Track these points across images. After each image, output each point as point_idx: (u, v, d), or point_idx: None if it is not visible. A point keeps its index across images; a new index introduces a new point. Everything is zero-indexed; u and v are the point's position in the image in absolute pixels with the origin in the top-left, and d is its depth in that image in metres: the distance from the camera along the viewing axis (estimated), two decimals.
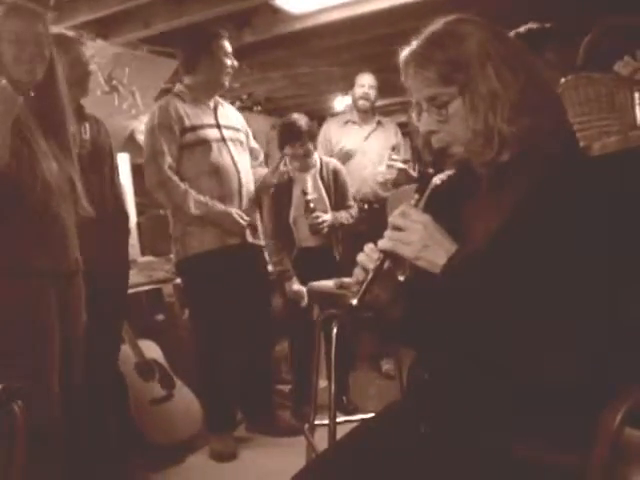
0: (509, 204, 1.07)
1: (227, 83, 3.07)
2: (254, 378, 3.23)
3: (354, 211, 3.55)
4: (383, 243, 1.08)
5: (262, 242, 3.22)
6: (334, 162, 3.64)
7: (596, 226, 0.99)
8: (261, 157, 3.33)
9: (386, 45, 4.35)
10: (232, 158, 3.02)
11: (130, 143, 4.57)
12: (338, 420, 2.11)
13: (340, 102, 6.27)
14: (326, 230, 3.36)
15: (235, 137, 3.10)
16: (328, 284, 2.05)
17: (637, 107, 1.60)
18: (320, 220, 3.33)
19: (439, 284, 1.04)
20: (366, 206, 3.96)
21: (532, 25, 2.33)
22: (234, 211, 2.96)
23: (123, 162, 4.20)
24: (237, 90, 5.51)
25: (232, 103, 5.41)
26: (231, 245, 3.00)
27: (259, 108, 6.06)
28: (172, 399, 3.10)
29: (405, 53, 1.13)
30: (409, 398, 1.22)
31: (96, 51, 3.77)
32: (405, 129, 4.82)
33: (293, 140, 3.33)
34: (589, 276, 0.97)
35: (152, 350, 3.22)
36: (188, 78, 3.07)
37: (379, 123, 4.22)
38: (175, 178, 2.89)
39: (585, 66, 1.76)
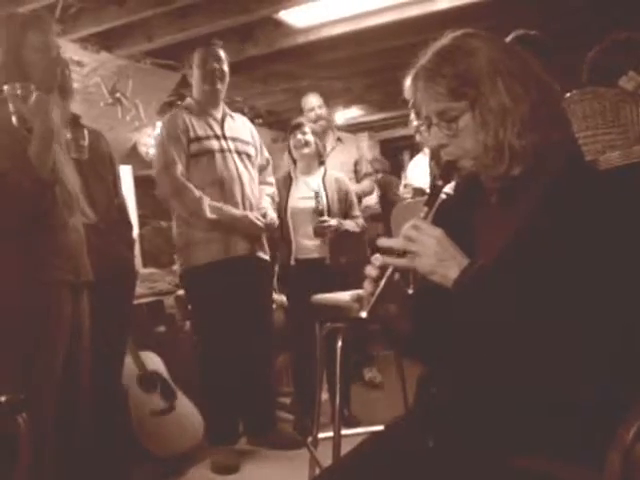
0: (520, 218, 1.07)
1: (221, 87, 3.08)
2: (256, 390, 3.21)
3: (360, 221, 3.57)
4: (396, 259, 1.08)
5: (268, 256, 3.22)
6: (337, 173, 3.66)
7: (606, 240, 0.99)
8: (269, 167, 3.35)
9: (388, 59, 4.40)
10: (237, 169, 3.05)
11: (133, 155, 4.59)
12: (342, 433, 2.10)
13: (341, 116, 6.31)
14: (330, 235, 3.37)
15: (242, 149, 3.12)
16: (333, 297, 2.05)
17: None
18: (327, 224, 3.34)
19: (451, 298, 1.04)
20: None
21: (518, 32, 2.34)
22: (251, 213, 3.01)
23: (126, 174, 4.22)
24: (239, 103, 5.54)
25: None
26: (237, 257, 3.01)
27: (260, 121, 6.08)
28: (173, 411, 3.09)
29: (414, 67, 1.14)
30: (417, 412, 1.21)
31: (100, 63, 3.80)
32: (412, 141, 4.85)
33: (295, 129, 3.40)
34: (600, 291, 0.97)
35: (154, 362, 3.21)
36: (193, 91, 3.15)
37: (338, 140, 4.27)
38: (189, 184, 2.92)
39: (590, 80, 1.77)
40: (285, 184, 3.46)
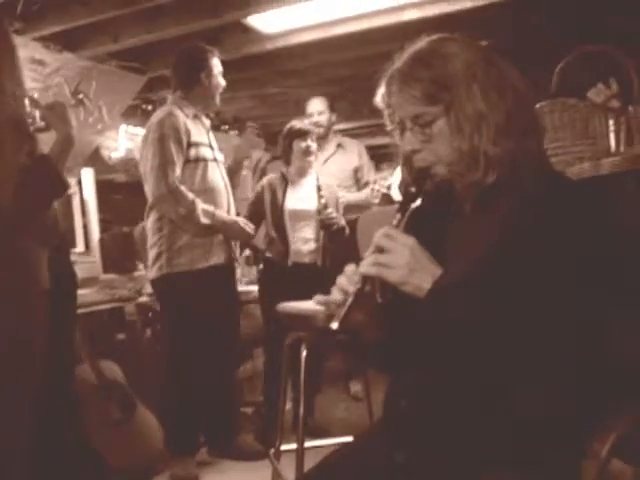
0: (494, 227, 1.05)
1: (218, 102, 3.13)
2: (219, 400, 3.15)
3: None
4: (367, 267, 1.04)
5: (238, 264, 3.24)
6: (330, 184, 3.67)
7: (577, 253, 0.98)
8: None
9: (355, 68, 4.40)
10: (223, 179, 3.08)
11: (95, 158, 4.49)
12: (306, 445, 2.05)
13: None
14: (335, 228, 3.40)
15: (220, 159, 3.14)
16: (297, 305, 2.01)
17: (611, 134, 1.61)
18: (333, 216, 3.38)
19: (423, 309, 1.01)
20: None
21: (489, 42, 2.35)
22: (240, 219, 3.04)
23: (87, 177, 4.12)
24: None
25: None
26: (218, 265, 2.99)
27: (227, 127, 6.02)
28: (132, 421, 3.00)
29: (389, 70, 1.12)
30: (385, 425, 1.18)
31: (62, 64, 3.70)
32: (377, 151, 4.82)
33: (301, 136, 3.38)
34: (569, 305, 0.96)
35: (112, 370, 3.11)
36: (184, 93, 3.04)
37: (339, 146, 4.18)
38: (183, 188, 2.86)
39: (559, 92, 1.78)
40: (281, 185, 3.42)
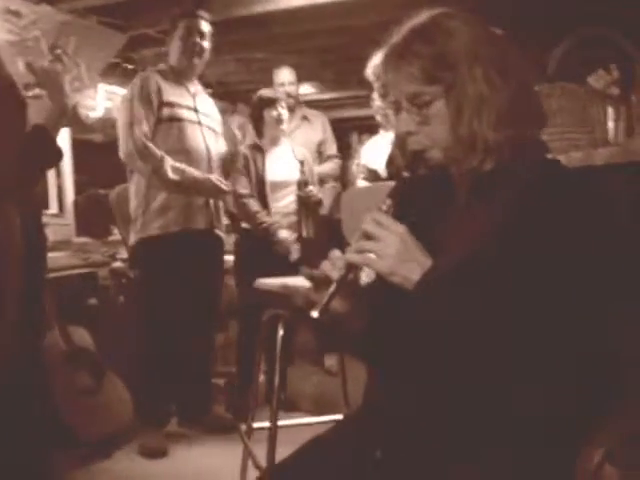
0: (488, 217, 0.99)
1: (198, 63, 3.02)
2: (192, 371, 3.10)
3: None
4: (353, 254, 0.98)
5: (223, 233, 3.12)
6: (303, 150, 3.62)
7: (577, 246, 0.93)
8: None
9: (344, 37, 4.28)
10: (205, 142, 2.98)
11: (72, 117, 4.34)
12: (279, 424, 2.01)
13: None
14: (313, 204, 3.38)
15: (211, 125, 3.07)
16: (276, 282, 1.94)
17: (609, 123, 1.56)
18: (315, 193, 3.37)
19: (409, 302, 0.95)
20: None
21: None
22: (213, 176, 2.94)
23: (63, 137, 3.98)
24: None
25: None
26: (195, 230, 2.93)
27: (210, 91, 5.87)
28: (101, 390, 2.94)
29: (386, 45, 1.04)
30: (365, 420, 1.13)
31: (39, 17, 3.54)
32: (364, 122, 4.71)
33: (271, 104, 3.32)
34: (565, 303, 0.91)
35: (82, 337, 3.04)
36: (168, 56, 3.06)
37: (304, 119, 4.13)
38: (151, 145, 2.83)
39: (557, 76, 1.71)
40: (259, 156, 3.33)
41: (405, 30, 1.03)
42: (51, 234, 3.57)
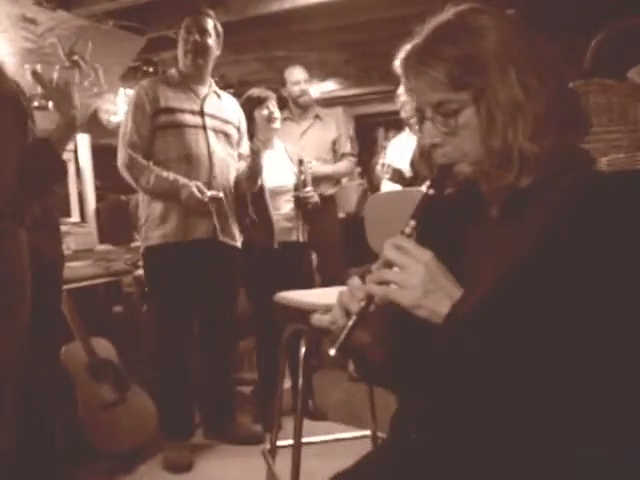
0: (526, 239, 0.88)
1: (202, 62, 2.87)
2: (215, 380, 3.04)
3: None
4: (374, 287, 0.88)
5: (237, 242, 3.00)
6: (296, 148, 3.52)
7: (632, 271, 0.81)
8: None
9: (366, 32, 4.17)
10: (208, 147, 2.84)
11: (93, 122, 4.31)
12: (303, 440, 1.92)
13: (316, 89, 6.07)
14: (310, 206, 3.26)
15: (220, 128, 2.92)
16: (297, 298, 1.85)
17: None
18: (311, 195, 3.23)
19: (439, 337, 0.85)
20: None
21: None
22: (194, 184, 2.74)
23: (83, 143, 3.94)
24: None
25: None
26: (195, 240, 2.80)
27: (232, 91, 5.80)
28: (125, 402, 2.88)
29: (407, 46, 0.93)
30: (392, 457, 1.03)
31: (57, 23, 3.50)
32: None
33: (262, 102, 3.20)
34: (621, 335, 0.80)
35: (105, 349, 2.99)
36: (178, 62, 2.95)
37: (317, 117, 3.98)
38: (137, 156, 2.75)
39: (593, 71, 1.59)
40: (256, 159, 3.20)
41: (428, 30, 0.92)
42: (73, 243, 3.54)
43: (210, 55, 2.88)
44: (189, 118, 2.82)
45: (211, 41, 2.86)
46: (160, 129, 2.78)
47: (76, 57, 3.64)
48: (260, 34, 4.40)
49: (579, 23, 1.99)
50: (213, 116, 2.90)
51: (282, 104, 3.66)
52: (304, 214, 3.30)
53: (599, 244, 0.83)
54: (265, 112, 3.18)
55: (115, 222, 3.93)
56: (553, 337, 0.81)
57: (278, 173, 3.22)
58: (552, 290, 0.83)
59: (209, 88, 2.95)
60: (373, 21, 3.90)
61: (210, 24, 2.87)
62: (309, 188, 3.24)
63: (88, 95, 3.91)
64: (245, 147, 3.06)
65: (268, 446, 2.19)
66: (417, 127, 0.97)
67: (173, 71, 2.94)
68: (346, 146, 3.98)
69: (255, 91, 3.27)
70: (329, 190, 3.90)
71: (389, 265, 0.87)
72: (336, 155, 3.95)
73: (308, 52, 4.87)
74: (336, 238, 3.98)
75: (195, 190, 2.73)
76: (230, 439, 3.01)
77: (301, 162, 3.26)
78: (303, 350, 1.71)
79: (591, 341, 0.79)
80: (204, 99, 2.90)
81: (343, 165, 3.95)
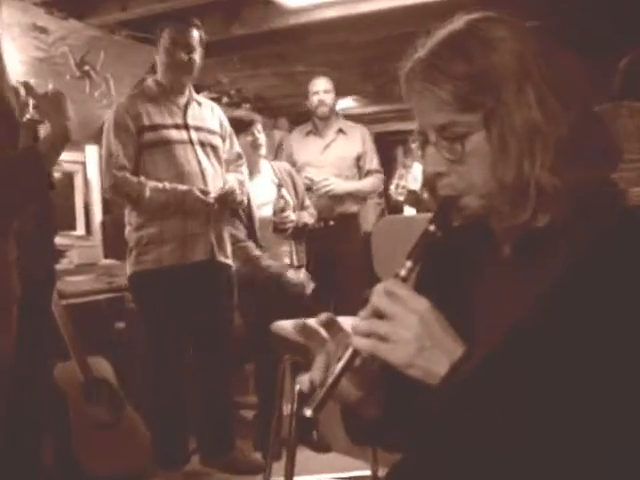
0: (542, 286, 0.74)
1: (186, 80, 2.74)
2: (213, 404, 2.91)
3: (313, 211, 3.33)
4: (360, 340, 0.75)
5: (230, 260, 2.87)
6: (285, 164, 3.45)
7: None
8: (241, 162, 2.98)
9: (384, 48, 4.07)
10: (199, 163, 2.69)
11: (102, 134, 4.23)
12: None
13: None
14: (290, 231, 3.12)
15: (207, 140, 2.77)
16: (292, 331, 1.72)
17: None
18: (289, 219, 3.09)
19: (436, 402, 0.72)
20: (322, 223, 3.58)
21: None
22: (195, 188, 2.62)
23: (91, 154, 3.87)
24: (225, 85, 5.19)
25: (218, 99, 5.13)
26: (194, 263, 2.67)
27: (248, 106, 5.72)
28: (119, 425, 2.77)
29: (410, 61, 0.81)
30: None
31: (68, 32, 3.44)
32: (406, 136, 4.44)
33: (247, 127, 3.11)
34: None
35: (102, 368, 2.88)
36: (157, 72, 2.81)
37: (340, 131, 3.81)
38: (127, 175, 2.59)
39: (623, 94, 1.45)
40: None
41: (434, 42, 0.80)
42: (76, 256, 3.46)
43: (195, 71, 2.75)
44: (174, 134, 2.67)
45: (196, 57, 2.72)
46: (146, 148, 2.63)
47: (87, 67, 3.58)
48: (277, 48, 4.32)
49: (607, 41, 1.85)
50: (197, 128, 2.75)
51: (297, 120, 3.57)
52: (294, 239, 3.18)
53: (632, 294, 0.70)
54: (249, 138, 3.10)
55: (121, 236, 3.83)
56: (575, 407, 0.68)
57: (265, 202, 3.12)
58: (574, 350, 0.69)
59: (189, 97, 2.79)
60: (390, 37, 3.80)
61: (197, 38, 2.73)
62: (287, 212, 3.10)
63: (99, 106, 3.84)
64: (230, 152, 2.91)
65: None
66: (420, 152, 0.84)
67: (150, 82, 2.79)
68: (372, 162, 3.80)
69: (239, 113, 3.20)
70: (352, 208, 3.72)
71: (378, 314, 0.74)
72: (361, 171, 3.78)
73: (325, 67, 4.79)
74: (357, 260, 3.65)
75: (198, 193, 2.62)
76: (227, 468, 2.88)
77: (279, 187, 3.12)
78: (298, 387, 1.57)
79: (624, 414, 0.66)
80: (185, 110, 2.75)
81: (368, 182, 3.77)
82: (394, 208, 4.23)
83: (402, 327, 0.72)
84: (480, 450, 0.71)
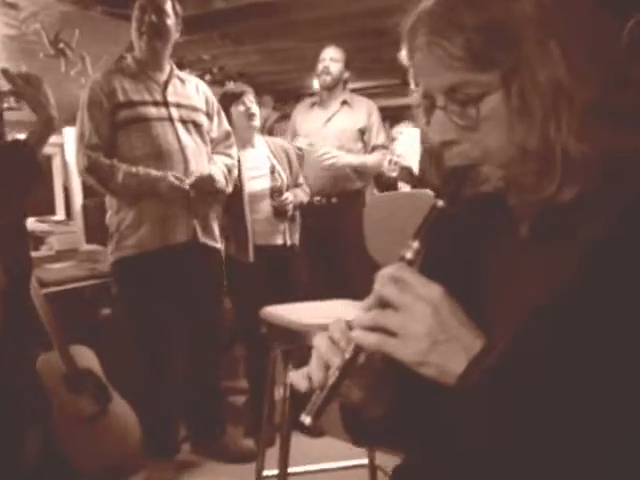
0: (567, 269, 0.65)
1: (160, 45, 2.58)
2: (202, 391, 2.83)
3: (307, 188, 3.22)
4: (365, 335, 0.66)
5: (218, 243, 2.76)
6: (280, 140, 3.33)
7: None
8: (230, 141, 2.86)
9: (376, 21, 3.94)
10: (179, 141, 2.57)
11: None
12: (291, 471, 1.72)
13: (316, 83, 5.85)
14: (291, 212, 3.02)
15: (188, 117, 2.64)
16: (286, 316, 1.63)
17: None
18: (288, 201, 2.97)
19: (451, 402, 0.63)
20: (324, 200, 3.47)
21: None
22: (169, 174, 2.50)
23: (70, 136, 3.72)
24: (207, 62, 5.06)
25: (201, 76, 4.99)
26: (175, 245, 2.56)
27: (231, 84, 5.58)
28: (105, 416, 2.68)
29: (414, 14, 0.71)
30: None
31: (40, 8, 3.28)
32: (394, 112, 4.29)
33: (238, 98, 3.00)
34: None
35: (86, 357, 2.77)
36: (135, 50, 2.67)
37: (344, 103, 3.63)
38: (97, 156, 2.48)
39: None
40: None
41: None
42: (56, 242, 3.34)
43: (168, 38, 2.60)
44: (152, 110, 2.55)
45: (170, 22, 2.58)
46: (122, 126, 2.50)
47: (62, 45, 3.43)
48: (260, 23, 4.18)
49: None
50: (179, 105, 2.62)
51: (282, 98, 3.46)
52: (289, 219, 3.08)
53: None
54: (242, 108, 2.98)
55: (103, 220, 3.71)
56: (599, 402, 0.60)
57: (257, 175, 2.99)
58: (618, 341, 0.60)
59: (170, 74, 2.67)
60: (376, 10, 3.68)
61: (168, 3, 2.59)
62: (286, 195, 2.99)
63: (76, 86, 3.69)
64: (218, 130, 2.80)
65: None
66: (424, 119, 0.74)
67: (128, 59, 2.67)
68: (378, 137, 3.61)
69: (231, 86, 3.08)
70: (356, 184, 3.55)
71: (384, 305, 0.65)
72: (366, 147, 3.61)
73: (308, 43, 4.65)
74: (360, 240, 3.60)
75: (173, 179, 2.49)
76: (219, 456, 2.81)
77: (273, 167, 3.02)
78: (290, 374, 1.49)
79: None
80: (165, 87, 2.62)
81: (373, 157, 3.58)
82: (384, 185, 4.08)
83: (412, 319, 0.63)
84: (504, 456, 0.62)
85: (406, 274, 0.65)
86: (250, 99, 3.02)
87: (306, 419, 0.66)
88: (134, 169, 2.47)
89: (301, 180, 3.21)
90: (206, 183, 2.59)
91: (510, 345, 0.63)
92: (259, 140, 3.11)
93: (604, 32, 0.68)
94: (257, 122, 3.03)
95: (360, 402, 0.76)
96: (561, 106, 0.65)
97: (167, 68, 2.67)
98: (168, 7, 2.58)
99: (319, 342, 0.70)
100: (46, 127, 1.86)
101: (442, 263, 0.72)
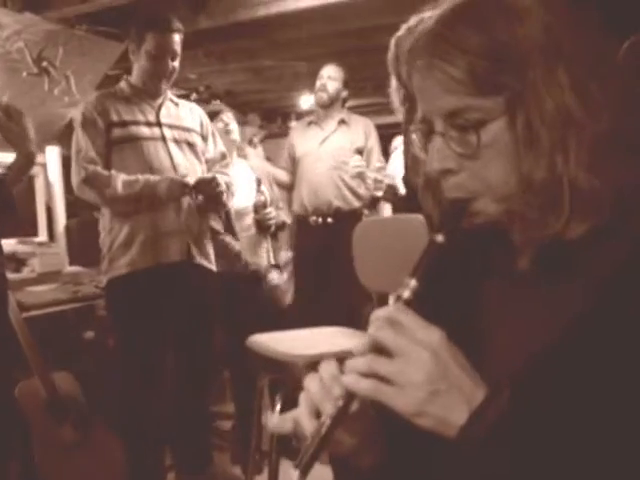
0: (573, 308, 0.61)
1: (166, 85, 2.61)
2: (190, 417, 2.76)
3: (287, 212, 3.32)
4: (358, 383, 0.61)
5: (213, 265, 2.70)
6: (262, 163, 3.45)
7: None
8: (226, 161, 2.81)
9: (360, 40, 3.93)
10: (171, 160, 2.54)
11: (66, 134, 4.04)
12: None
13: (306, 100, 5.84)
14: (273, 229, 3.03)
15: (181, 138, 2.63)
16: (273, 347, 1.57)
17: None
18: (272, 215, 2.99)
19: (452, 456, 0.58)
20: (319, 220, 3.44)
21: None
22: (169, 176, 2.49)
23: (52, 156, 3.67)
24: (193, 81, 5.03)
25: (188, 95, 4.96)
26: (168, 264, 2.50)
27: (218, 102, 5.55)
28: (88, 444, 2.60)
29: (411, 32, 0.66)
30: None
31: (24, 26, 3.24)
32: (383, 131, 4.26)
33: (214, 116, 3.03)
34: None
35: (68, 384, 2.70)
36: (132, 73, 2.64)
37: (342, 122, 3.61)
38: (97, 168, 2.45)
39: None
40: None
41: (445, 10, 0.66)
42: (38, 265, 3.27)
43: (173, 77, 2.62)
44: (145, 130, 2.53)
45: (177, 63, 2.59)
46: (115, 145, 2.49)
47: (45, 63, 3.38)
48: (246, 42, 4.16)
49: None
50: (171, 126, 2.61)
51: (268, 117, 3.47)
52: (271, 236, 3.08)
53: None
54: (220, 125, 3.00)
55: (87, 241, 3.64)
56: (611, 452, 0.55)
57: (241, 192, 2.95)
58: (628, 386, 0.56)
59: (163, 97, 2.65)
60: (364, 29, 3.67)
61: (180, 43, 2.58)
62: (269, 209, 3.00)
63: (60, 105, 3.65)
64: (213, 151, 2.77)
65: None
66: (419, 144, 0.69)
67: (123, 85, 2.65)
68: (378, 159, 3.61)
69: (210, 106, 3.10)
70: (353, 204, 3.51)
71: (379, 349, 0.60)
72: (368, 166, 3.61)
73: (296, 62, 4.64)
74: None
75: (175, 178, 2.49)
76: None
77: (259, 182, 3.05)
78: (278, 408, 1.43)
79: None
80: (159, 108, 2.61)
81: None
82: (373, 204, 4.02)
83: (410, 366, 0.58)
84: None
85: (402, 316, 0.60)
86: (228, 116, 3.07)
87: (295, 472, 0.61)
88: (132, 177, 2.44)
89: (281, 204, 3.23)
90: (208, 185, 2.56)
91: (513, 393, 0.58)
92: (238, 160, 3.11)
93: (612, 57, 0.64)
94: (235, 136, 3.07)
95: (352, 449, 0.71)
96: (570, 136, 0.60)
97: (162, 93, 2.66)
98: (179, 48, 2.58)
99: (309, 385, 0.64)
100: (26, 162, 1.85)
101: (439, 301, 0.67)
